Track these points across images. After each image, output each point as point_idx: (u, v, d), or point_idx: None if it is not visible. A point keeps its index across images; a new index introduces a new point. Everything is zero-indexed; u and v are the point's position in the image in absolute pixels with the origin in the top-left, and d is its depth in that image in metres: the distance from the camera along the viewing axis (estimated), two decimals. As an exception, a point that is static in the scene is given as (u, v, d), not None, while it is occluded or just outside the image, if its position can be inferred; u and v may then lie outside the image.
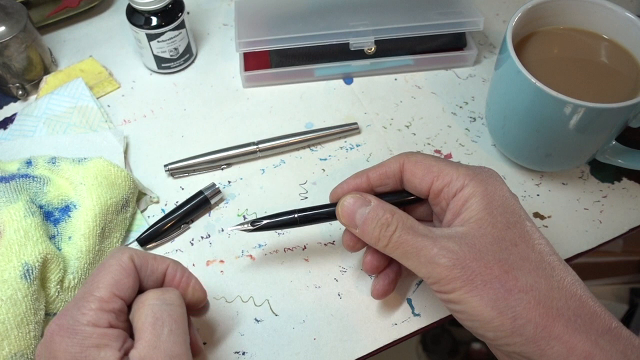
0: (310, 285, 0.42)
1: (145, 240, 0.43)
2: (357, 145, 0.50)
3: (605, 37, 0.44)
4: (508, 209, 0.32)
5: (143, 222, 0.44)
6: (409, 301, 0.41)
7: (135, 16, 0.50)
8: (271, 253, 0.43)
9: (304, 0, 0.54)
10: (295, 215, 0.37)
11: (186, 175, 0.48)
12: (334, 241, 0.44)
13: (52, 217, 0.40)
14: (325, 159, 0.49)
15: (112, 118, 0.51)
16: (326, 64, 0.53)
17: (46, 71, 0.53)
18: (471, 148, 0.50)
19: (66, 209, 0.40)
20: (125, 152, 0.48)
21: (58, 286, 0.37)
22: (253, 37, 0.50)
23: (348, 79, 0.55)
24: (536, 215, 0.45)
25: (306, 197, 0.46)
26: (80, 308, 0.28)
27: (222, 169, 0.48)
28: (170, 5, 0.49)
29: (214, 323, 0.40)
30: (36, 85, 0.53)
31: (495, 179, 0.33)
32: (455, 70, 0.55)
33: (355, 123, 0.50)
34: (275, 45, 0.51)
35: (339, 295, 0.41)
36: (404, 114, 0.52)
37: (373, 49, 0.52)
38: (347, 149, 0.49)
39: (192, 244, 0.44)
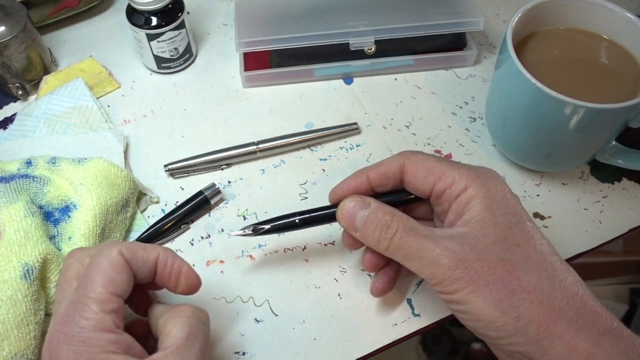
0: (310, 286, 0.42)
1: (145, 240, 0.43)
2: (357, 145, 0.50)
3: (605, 37, 0.44)
4: (510, 210, 0.32)
5: (143, 222, 0.44)
6: (409, 301, 0.41)
7: (135, 16, 0.50)
8: (271, 253, 0.43)
9: (304, 0, 0.54)
10: (296, 219, 0.37)
11: (186, 176, 0.48)
12: (334, 241, 0.44)
13: (52, 217, 0.40)
14: (325, 159, 0.49)
15: (112, 118, 0.51)
16: (326, 64, 0.53)
17: (46, 71, 0.53)
18: (471, 148, 0.50)
19: (66, 209, 0.40)
20: (125, 152, 0.48)
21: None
22: (253, 37, 0.50)
23: (348, 79, 0.55)
24: (536, 215, 0.45)
25: (306, 197, 0.46)
26: (82, 313, 0.28)
27: (222, 169, 0.48)
28: (170, 5, 0.49)
29: (214, 323, 0.40)
30: (36, 85, 0.53)
31: (497, 179, 0.33)
32: (455, 70, 0.55)
33: (355, 123, 0.50)
34: (275, 45, 0.51)
35: (339, 295, 0.41)
36: (404, 114, 0.52)
37: (373, 49, 0.52)
38: (347, 149, 0.49)
39: (192, 244, 0.44)
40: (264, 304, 0.41)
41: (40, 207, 0.40)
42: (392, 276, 0.38)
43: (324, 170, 0.48)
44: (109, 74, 0.54)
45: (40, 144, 0.47)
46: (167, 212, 0.45)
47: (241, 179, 0.48)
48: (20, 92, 0.52)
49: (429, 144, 0.50)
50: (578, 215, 0.45)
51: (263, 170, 0.48)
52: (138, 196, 0.45)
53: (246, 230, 0.37)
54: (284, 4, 0.54)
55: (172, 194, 0.46)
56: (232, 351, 0.39)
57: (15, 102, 0.53)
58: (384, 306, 0.41)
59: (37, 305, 0.35)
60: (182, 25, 0.51)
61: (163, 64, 0.53)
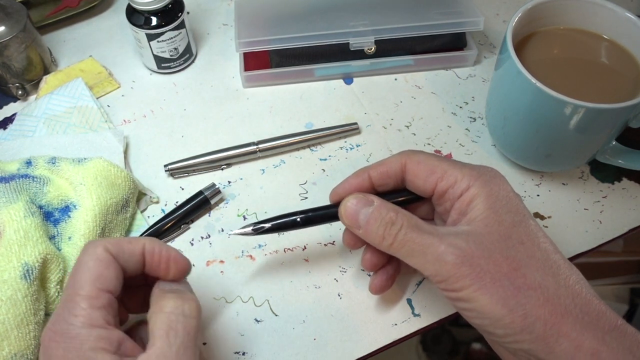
0: (310, 286, 0.42)
1: (145, 240, 0.43)
2: (357, 145, 0.50)
3: (605, 37, 0.44)
4: (513, 208, 0.32)
5: (143, 222, 0.44)
6: (409, 301, 0.41)
7: (135, 16, 0.50)
8: (271, 253, 0.43)
9: (304, 0, 0.54)
10: (298, 218, 0.37)
11: (186, 176, 0.48)
12: (334, 241, 0.44)
13: (52, 217, 0.40)
14: (325, 159, 0.49)
15: (112, 118, 0.51)
16: (326, 64, 0.53)
17: (46, 71, 0.53)
18: (471, 148, 0.50)
19: (66, 209, 0.40)
20: (125, 152, 0.48)
21: (58, 286, 0.37)
22: (253, 37, 0.50)
23: (348, 79, 0.55)
24: (536, 215, 0.45)
25: (306, 197, 0.46)
26: (71, 310, 0.28)
27: (222, 169, 0.48)
28: (170, 5, 0.49)
29: (214, 323, 0.40)
30: (36, 85, 0.53)
31: (499, 178, 0.33)
32: (455, 70, 0.55)
33: (355, 123, 0.50)
34: (275, 45, 0.51)
35: (339, 295, 0.41)
36: (404, 114, 0.52)
37: (373, 49, 0.52)
38: (347, 149, 0.49)
39: (192, 244, 0.44)
40: (264, 304, 0.41)
41: (40, 207, 0.40)
42: (391, 274, 0.38)
43: (324, 170, 0.48)
44: (109, 74, 0.54)
45: (40, 144, 0.47)
46: (167, 212, 0.45)
47: (241, 179, 0.48)
48: (20, 92, 0.52)
49: (429, 144, 0.50)
50: (578, 215, 0.45)
51: (263, 170, 0.48)
52: (138, 196, 0.45)
53: (246, 229, 0.37)
54: (284, 4, 0.54)
55: (172, 194, 0.46)
56: (232, 351, 0.39)
57: (15, 102, 0.53)
58: (384, 306, 0.41)
59: (37, 305, 0.35)
60: (182, 25, 0.51)
61: (163, 64, 0.53)
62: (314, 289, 0.41)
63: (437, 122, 0.51)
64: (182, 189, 0.47)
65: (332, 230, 0.44)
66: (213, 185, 0.45)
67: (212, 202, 0.45)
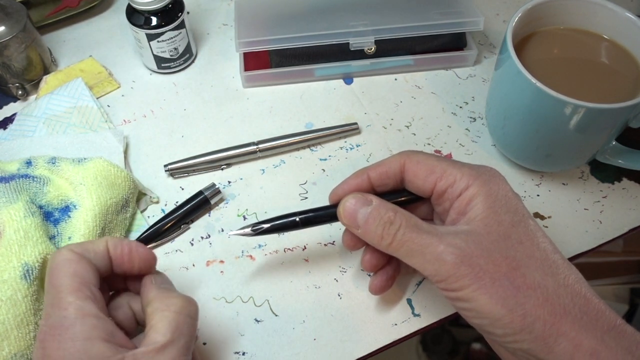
0: (310, 286, 0.42)
1: (145, 240, 0.43)
2: (357, 145, 0.50)
3: (605, 37, 0.44)
4: (512, 208, 0.32)
5: (143, 222, 0.44)
6: (409, 301, 0.41)
7: (135, 16, 0.50)
8: (271, 253, 0.43)
9: (304, 0, 0.54)
10: (297, 218, 0.37)
11: (186, 176, 0.48)
12: (334, 241, 0.44)
13: (52, 217, 0.40)
14: (325, 159, 0.49)
15: (112, 118, 0.51)
16: (326, 64, 0.53)
17: (46, 71, 0.53)
18: (471, 148, 0.50)
19: (66, 209, 0.40)
20: (125, 152, 0.48)
21: (58, 286, 0.37)
22: (253, 37, 0.50)
23: (348, 79, 0.55)
24: (536, 215, 0.45)
25: (306, 197, 0.46)
26: (60, 305, 0.28)
27: (222, 169, 0.48)
28: (170, 5, 0.49)
29: (214, 323, 0.40)
30: (36, 85, 0.53)
31: (498, 178, 0.33)
32: (455, 70, 0.55)
33: (355, 123, 0.50)
34: (275, 45, 0.51)
35: (339, 295, 0.41)
36: (404, 114, 0.52)
37: (373, 49, 0.52)
38: (347, 149, 0.49)
39: (192, 244, 0.44)
40: (264, 304, 0.41)
41: (40, 207, 0.40)
42: (391, 274, 0.38)
43: (324, 170, 0.48)
44: (109, 74, 0.54)
45: (40, 144, 0.47)
46: (167, 212, 0.45)
47: (241, 179, 0.48)
48: (20, 92, 0.52)
49: (429, 144, 0.50)
50: (578, 215, 0.45)
51: (263, 170, 0.48)
52: (138, 196, 0.45)
53: (245, 230, 0.37)
54: (284, 4, 0.54)
55: (172, 194, 0.46)
56: (232, 351, 0.39)
57: (15, 102, 0.53)
58: (384, 306, 0.41)
59: (37, 305, 0.35)
60: (182, 25, 0.51)
61: (163, 64, 0.53)
62: (314, 289, 0.41)
63: (437, 122, 0.51)
64: (182, 189, 0.47)
65: (332, 230, 0.44)
66: (213, 185, 0.45)
67: (212, 202, 0.45)
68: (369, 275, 0.42)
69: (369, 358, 0.39)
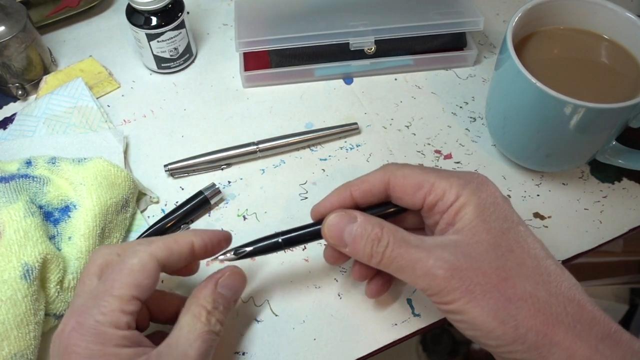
0: (310, 286, 0.42)
1: (145, 240, 0.43)
2: (357, 146, 0.50)
3: (606, 37, 0.44)
4: (501, 215, 0.31)
5: (143, 222, 0.44)
6: (409, 301, 0.41)
7: (135, 16, 0.50)
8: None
9: (304, 0, 0.54)
10: (279, 239, 0.36)
11: (186, 175, 0.48)
12: (334, 241, 0.44)
13: (52, 217, 0.40)
14: (325, 159, 0.49)
15: (112, 118, 0.51)
16: (326, 64, 0.53)
17: (46, 71, 0.53)
18: (471, 148, 0.50)
19: (66, 209, 0.40)
20: (125, 152, 0.48)
21: (58, 286, 0.37)
22: (253, 37, 0.50)
23: (348, 79, 0.55)
24: (536, 215, 0.45)
25: (306, 197, 0.46)
26: (101, 308, 0.29)
27: (222, 169, 0.48)
28: (170, 5, 0.49)
29: (214, 323, 0.40)
30: (36, 85, 0.53)
31: (487, 184, 0.32)
32: (455, 70, 0.55)
33: (355, 123, 0.50)
34: (275, 45, 0.51)
35: (339, 295, 0.41)
36: (404, 114, 0.52)
37: (373, 49, 0.52)
38: (347, 149, 0.49)
39: (192, 244, 0.44)
40: (264, 304, 0.41)
41: (40, 207, 0.40)
42: (387, 279, 0.38)
43: (324, 170, 0.48)
44: (109, 74, 0.54)
45: (40, 144, 0.47)
46: (167, 212, 0.45)
47: (241, 179, 0.48)
48: (20, 92, 0.52)
49: (429, 144, 0.50)
50: (578, 215, 0.45)
51: (263, 170, 0.48)
52: (138, 196, 0.45)
53: (228, 255, 0.36)
54: (284, 4, 0.54)
55: (172, 194, 0.46)
56: (232, 351, 0.39)
57: (15, 102, 0.53)
58: (384, 306, 0.41)
59: (37, 305, 0.35)
60: (182, 25, 0.51)
61: (163, 63, 0.53)
62: (314, 289, 0.41)
63: (437, 122, 0.51)
64: (182, 189, 0.47)
65: (332, 230, 0.44)
66: (213, 185, 0.45)
67: (212, 202, 0.45)
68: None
69: (369, 358, 0.39)
